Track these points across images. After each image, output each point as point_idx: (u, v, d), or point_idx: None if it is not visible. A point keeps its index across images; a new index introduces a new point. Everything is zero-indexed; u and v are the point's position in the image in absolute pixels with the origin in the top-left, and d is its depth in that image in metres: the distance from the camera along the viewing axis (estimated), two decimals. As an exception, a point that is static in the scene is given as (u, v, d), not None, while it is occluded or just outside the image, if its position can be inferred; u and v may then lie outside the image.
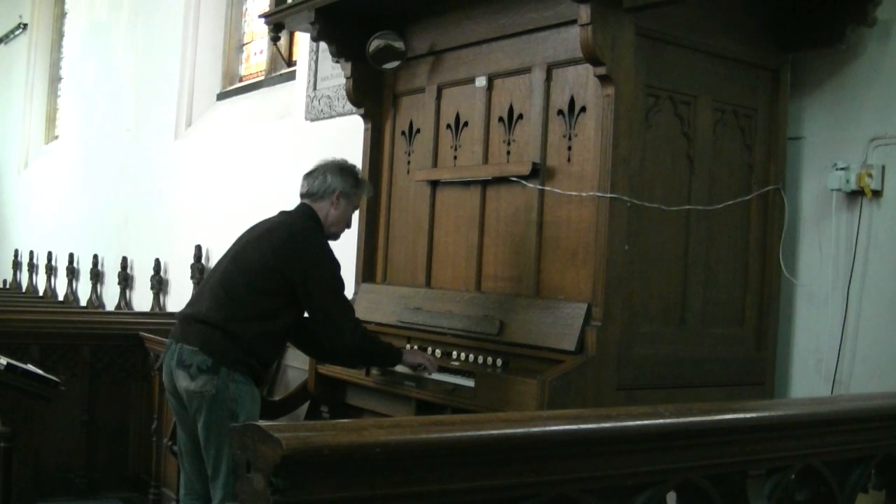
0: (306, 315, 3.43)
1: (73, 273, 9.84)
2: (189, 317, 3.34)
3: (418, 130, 3.97)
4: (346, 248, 4.44)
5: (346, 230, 3.58)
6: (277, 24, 4.21)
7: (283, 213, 3.51)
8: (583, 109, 3.22)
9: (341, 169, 3.50)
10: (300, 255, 3.31)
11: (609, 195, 3.03)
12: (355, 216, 3.65)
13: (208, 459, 3.25)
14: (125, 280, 8.52)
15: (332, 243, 3.49)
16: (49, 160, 11.41)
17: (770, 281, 3.51)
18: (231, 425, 1.48)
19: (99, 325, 5.61)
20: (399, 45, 3.91)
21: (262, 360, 3.36)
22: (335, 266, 3.38)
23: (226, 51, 7.76)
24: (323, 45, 5.05)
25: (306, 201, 3.49)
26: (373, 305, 3.96)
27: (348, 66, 4.10)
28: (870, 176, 3.33)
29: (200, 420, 3.23)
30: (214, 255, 6.62)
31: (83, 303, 9.27)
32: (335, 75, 5.43)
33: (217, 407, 3.20)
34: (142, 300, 8.16)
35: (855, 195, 3.40)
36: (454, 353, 3.48)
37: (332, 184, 3.46)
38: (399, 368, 3.57)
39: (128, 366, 5.39)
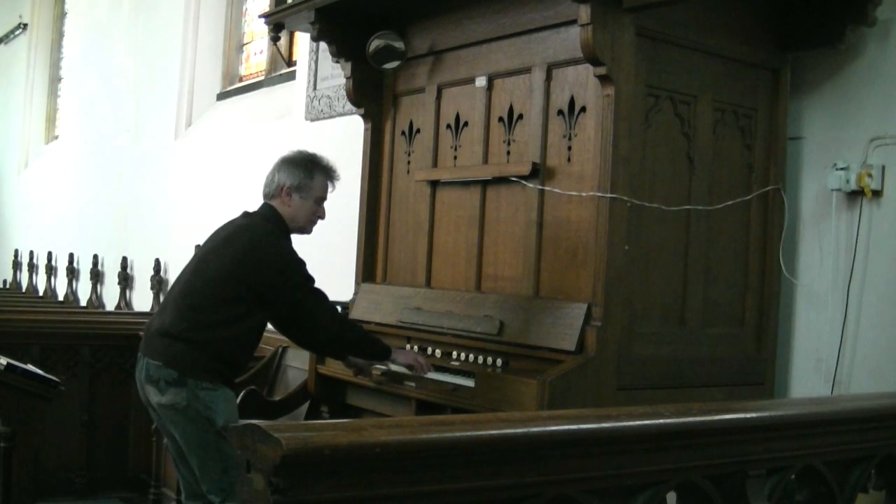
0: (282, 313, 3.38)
1: (73, 273, 9.84)
2: (153, 330, 3.30)
3: (418, 130, 3.97)
4: (346, 248, 4.45)
5: (319, 221, 3.46)
6: (277, 24, 4.21)
7: (245, 215, 3.43)
8: (583, 109, 3.22)
9: (289, 162, 3.39)
10: (264, 265, 3.24)
11: (609, 195, 3.03)
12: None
13: (194, 467, 3.23)
14: (125, 280, 8.52)
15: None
16: (49, 160, 11.41)
17: (770, 281, 3.51)
18: (232, 425, 1.47)
19: (99, 325, 5.61)
20: (399, 45, 3.91)
21: (231, 364, 3.30)
22: (301, 266, 3.30)
23: (226, 51, 7.76)
24: (323, 45, 5.05)
25: (266, 201, 3.41)
26: (373, 305, 3.96)
27: (348, 66, 4.10)
28: (870, 176, 3.33)
29: (178, 432, 3.22)
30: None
31: (83, 303, 9.27)
32: (335, 75, 5.43)
33: (191, 418, 3.16)
34: (142, 300, 8.16)
35: (855, 195, 3.40)
36: (454, 353, 3.48)
37: (278, 180, 3.36)
38: (398, 368, 3.57)
39: (128, 366, 5.37)
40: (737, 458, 1.97)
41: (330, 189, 3.46)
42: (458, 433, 1.59)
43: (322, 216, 3.45)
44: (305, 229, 3.42)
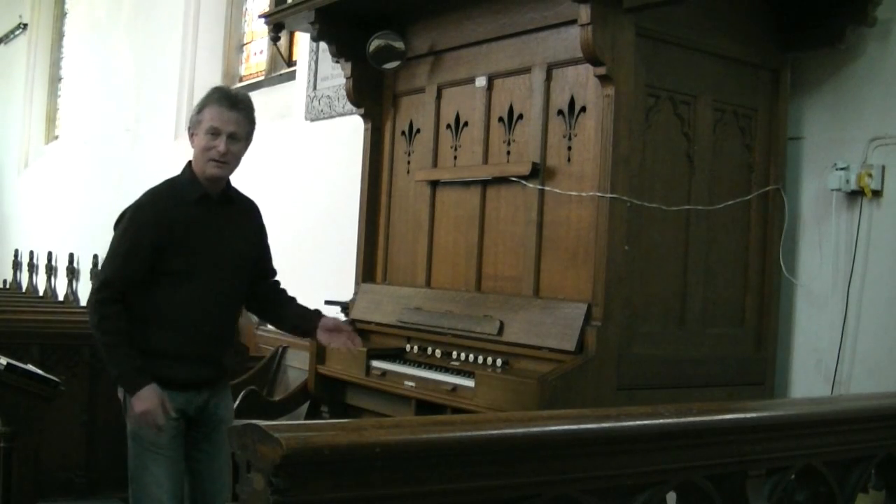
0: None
1: (73, 273, 9.82)
2: None
3: (418, 130, 3.97)
4: (346, 248, 4.45)
5: (216, 154, 2.93)
6: (277, 24, 4.22)
7: None
8: (583, 109, 3.22)
9: None
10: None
11: (609, 195, 3.03)
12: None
13: None
14: (125, 280, 8.50)
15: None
16: (49, 160, 11.41)
17: (770, 281, 3.51)
18: (231, 426, 1.47)
19: (99, 325, 5.59)
20: (399, 45, 3.91)
21: (153, 353, 2.90)
22: (131, 226, 2.91)
23: (226, 51, 7.76)
24: (323, 45, 5.05)
25: None
26: (373, 305, 3.96)
27: (348, 66, 4.10)
28: (870, 176, 3.33)
29: None
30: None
31: (83, 303, 9.26)
32: (335, 75, 5.43)
33: (125, 413, 3.04)
34: (142, 300, 8.15)
35: (855, 195, 3.40)
36: (454, 353, 3.48)
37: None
38: (398, 368, 3.57)
39: (128, 366, 5.37)
40: (737, 458, 1.97)
41: (228, 117, 2.93)
42: (458, 433, 1.59)
43: (219, 148, 2.92)
44: (206, 171, 2.95)
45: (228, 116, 2.95)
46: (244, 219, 3.14)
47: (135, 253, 2.89)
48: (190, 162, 3.02)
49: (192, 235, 2.95)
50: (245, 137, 3.03)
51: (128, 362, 2.91)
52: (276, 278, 3.26)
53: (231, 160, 3.00)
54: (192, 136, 3.00)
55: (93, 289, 2.95)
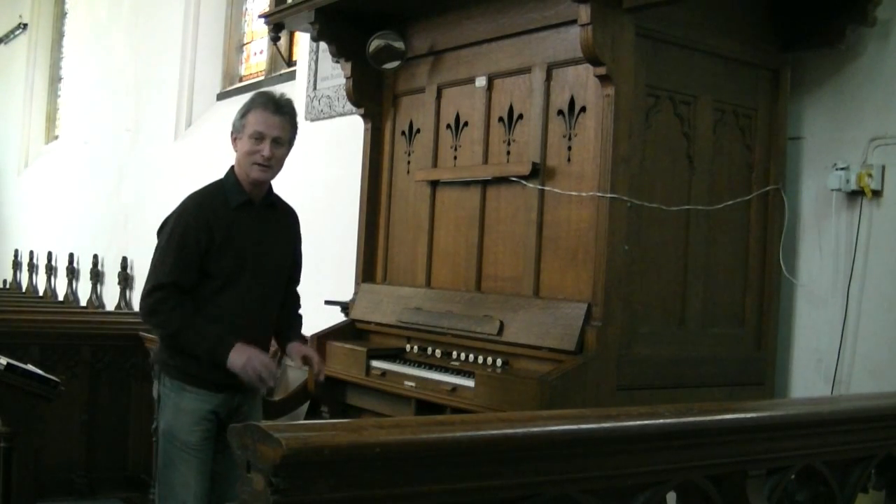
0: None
1: (73, 273, 9.84)
2: None
3: (418, 130, 3.97)
4: (346, 248, 4.45)
5: (261, 158, 2.98)
6: (277, 24, 4.22)
7: None
8: (583, 109, 3.22)
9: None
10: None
11: (609, 195, 3.03)
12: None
13: None
14: (125, 280, 8.51)
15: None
16: (49, 160, 11.41)
17: (770, 281, 3.51)
18: (231, 426, 1.47)
19: (99, 325, 5.61)
20: (399, 45, 3.91)
21: (181, 354, 2.97)
22: (177, 229, 2.96)
23: (226, 51, 7.77)
24: (323, 45, 5.05)
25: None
26: (373, 305, 3.96)
27: (348, 66, 4.10)
28: (870, 176, 3.33)
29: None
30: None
31: (83, 303, 9.27)
32: (335, 75, 5.43)
33: (160, 409, 3.11)
34: (142, 300, 8.14)
35: (855, 195, 3.40)
36: (454, 353, 3.48)
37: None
38: (398, 368, 3.57)
39: (128, 366, 5.38)
40: (737, 458, 1.97)
41: (273, 122, 2.99)
42: (458, 433, 1.59)
43: (264, 153, 2.97)
44: (250, 174, 3.00)
45: (273, 121, 2.99)
46: (284, 225, 3.20)
47: (182, 257, 2.95)
48: (233, 166, 3.07)
49: (234, 239, 3.00)
50: (289, 142, 3.08)
51: (206, 335, 2.93)
52: (297, 289, 3.32)
53: (275, 164, 3.05)
54: (234, 140, 3.05)
55: (142, 296, 3.00)
